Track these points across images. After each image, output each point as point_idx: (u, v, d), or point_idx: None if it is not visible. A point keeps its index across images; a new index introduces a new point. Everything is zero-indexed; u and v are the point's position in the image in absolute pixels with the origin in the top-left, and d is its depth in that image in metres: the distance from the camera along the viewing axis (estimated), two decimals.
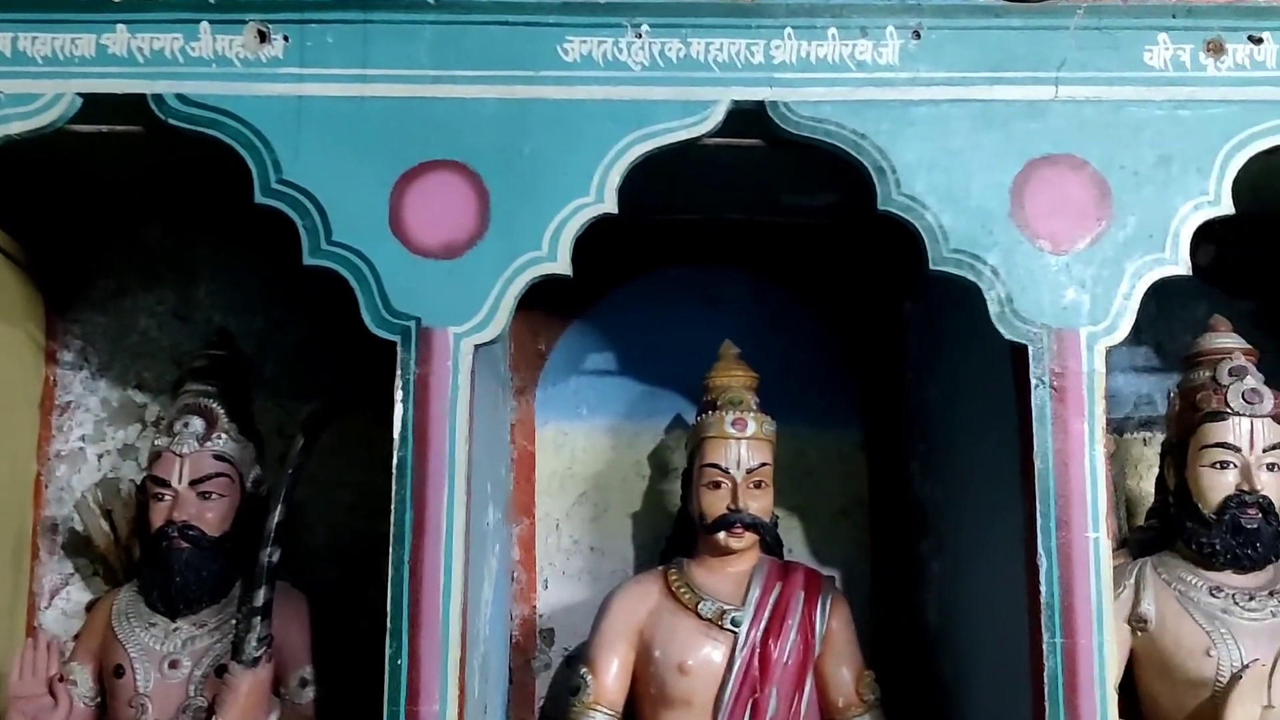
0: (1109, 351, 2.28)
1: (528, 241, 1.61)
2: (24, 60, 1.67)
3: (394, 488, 1.57)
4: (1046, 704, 1.55)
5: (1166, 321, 2.32)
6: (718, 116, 1.64)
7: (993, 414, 1.74)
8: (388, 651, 1.54)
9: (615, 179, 1.62)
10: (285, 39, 1.66)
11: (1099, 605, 1.56)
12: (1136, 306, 1.62)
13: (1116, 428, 2.33)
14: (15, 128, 1.66)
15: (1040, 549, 1.57)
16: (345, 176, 1.62)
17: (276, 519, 1.84)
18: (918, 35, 1.66)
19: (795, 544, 2.31)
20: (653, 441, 2.33)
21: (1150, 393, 2.31)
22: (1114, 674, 1.57)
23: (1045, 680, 1.55)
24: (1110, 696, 1.55)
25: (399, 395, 1.58)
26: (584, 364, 2.35)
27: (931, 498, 2.15)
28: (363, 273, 1.60)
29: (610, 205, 1.62)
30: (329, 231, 1.61)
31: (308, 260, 1.61)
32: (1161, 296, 2.28)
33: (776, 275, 2.37)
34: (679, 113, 1.64)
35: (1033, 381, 1.60)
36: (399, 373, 1.59)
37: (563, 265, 1.61)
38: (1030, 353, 1.60)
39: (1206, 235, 2.25)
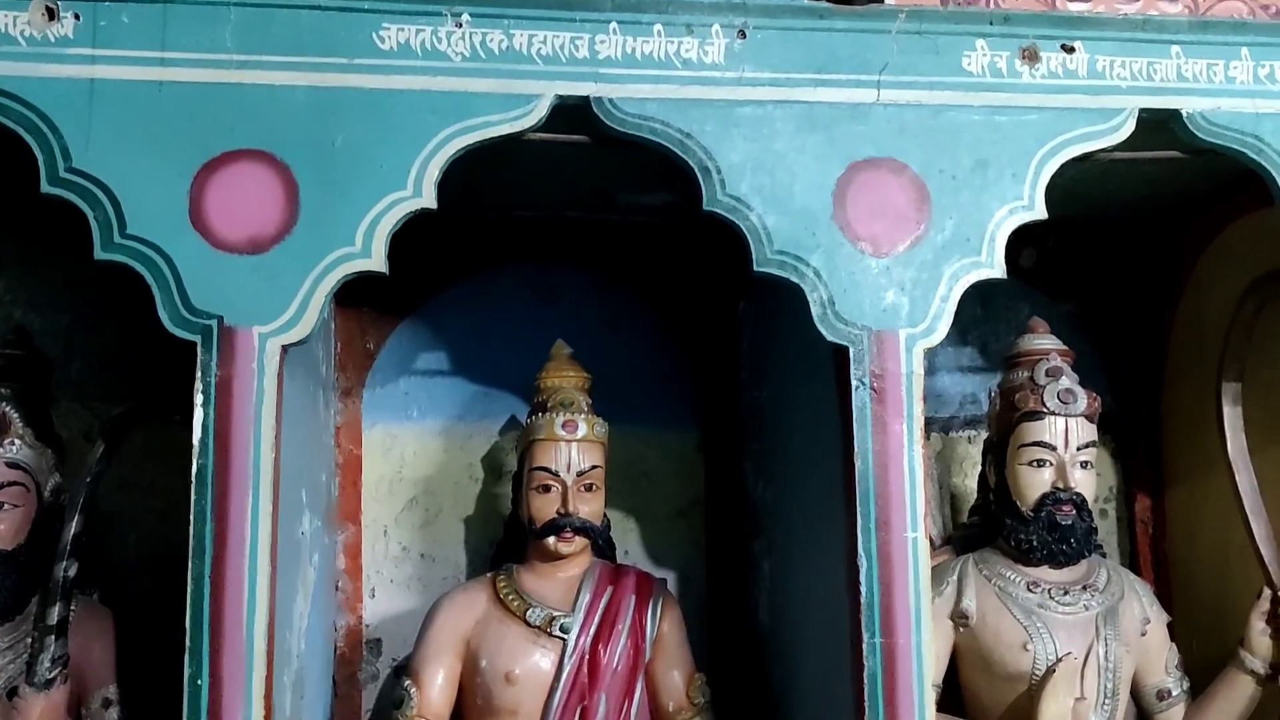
0: (934, 352, 2.35)
1: (339, 237, 1.53)
2: None
3: (193, 497, 1.47)
4: (866, 703, 1.55)
5: (991, 323, 2.39)
6: (541, 111, 1.60)
7: (818, 415, 1.75)
8: (187, 671, 1.45)
9: (434, 173, 1.56)
10: (76, 17, 1.54)
11: (917, 605, 1.57)
12: (954, 309, 1.64)
13: (943, 427, 2.38)
14: None
15: (860, 549, 1.57)
16: (141, 165, 1.51)
17: (74, 530, 1.73)
18: (743, 35, 1.65)
19: (632, 546, 2.29)
20: (487, 444, 2.28)
21: (975, 392, 2.37)
22: (932, 672, 1.58)
23: (865, 680, 1.56)
24: (928, 695, 1.56)
25: (199, 399, 1.49)
26: (415, 364, 2.28)
27: (763, 498, 2.15)
28: (160, 268, 1.50)
29: (429, 200, 1.56)
30: (123, 224, 1.50)
31: (100, 255, 1.50)
32: (986, 299, 2.37)
33: (616, 274, 2.35)
34: (501, 106, 1.59)
35: (853, 383, 1.60)
36: (199, 375, 1.49)
37: (377, 262, 1.54)
38: (851, 354, 1.61)
39: (1030, 239, 2.35)
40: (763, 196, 1.62)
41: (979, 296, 2.34)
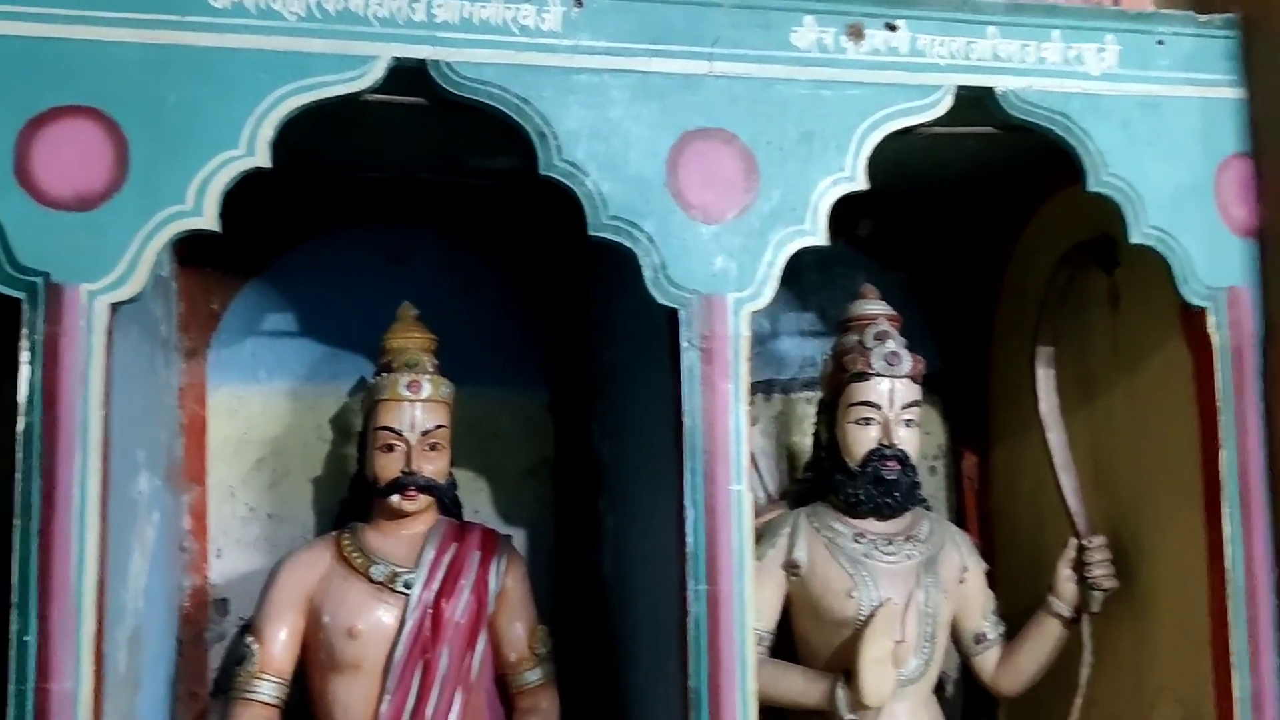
0: (776, 317, 2.47)
1: (170, 195, 1.53)
2: None
3: (20, 456, 1.46)
4: (690, 647, 1.63)
5: (829, 290, 2.48)
6: (378, 73, 1.61)
7: (654, 375, 1.81)
8: (14, 627, 1.44)
9: (268, 132, 1.56)
10: None
11: (741, 554, 1.65)
12: (780, 274, 1.71)
13: (783, 388, 2.48)
14: None
15: (688, 502, 1.65)
16: None
17: None
18: (580, 4, 1.69)
19: (482, 505, 2.33)
20: (335, 404, 2.29)
21: (814, 355, 2.46)
22: (753, 618, 1.67)
23: (691, 625, 1.63)
24: (749, 639, 1.65)
25: (25, 357, 1.47)
26: (262, 325, 2.27)
27: (608, 457, 2.22)
28: None
29: (263, 160, 1.56)
30: None
31: None
32: (825, 267, 2.46)
33: (465, 237, 2.37)
34: (336, 66, 1.59)
35: (683, 344, 1.67)
36: (25, 332, 1.48)
37: (209, 220, 1.54)
38: (681, 317, 1.67)
39: (867, 209, 2.45)
40: (598, 163, 1.67)
41: (818, 264, 2.45)
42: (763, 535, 2.07)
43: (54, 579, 1.46)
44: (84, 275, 1.50)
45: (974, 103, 1.83)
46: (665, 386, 1.73)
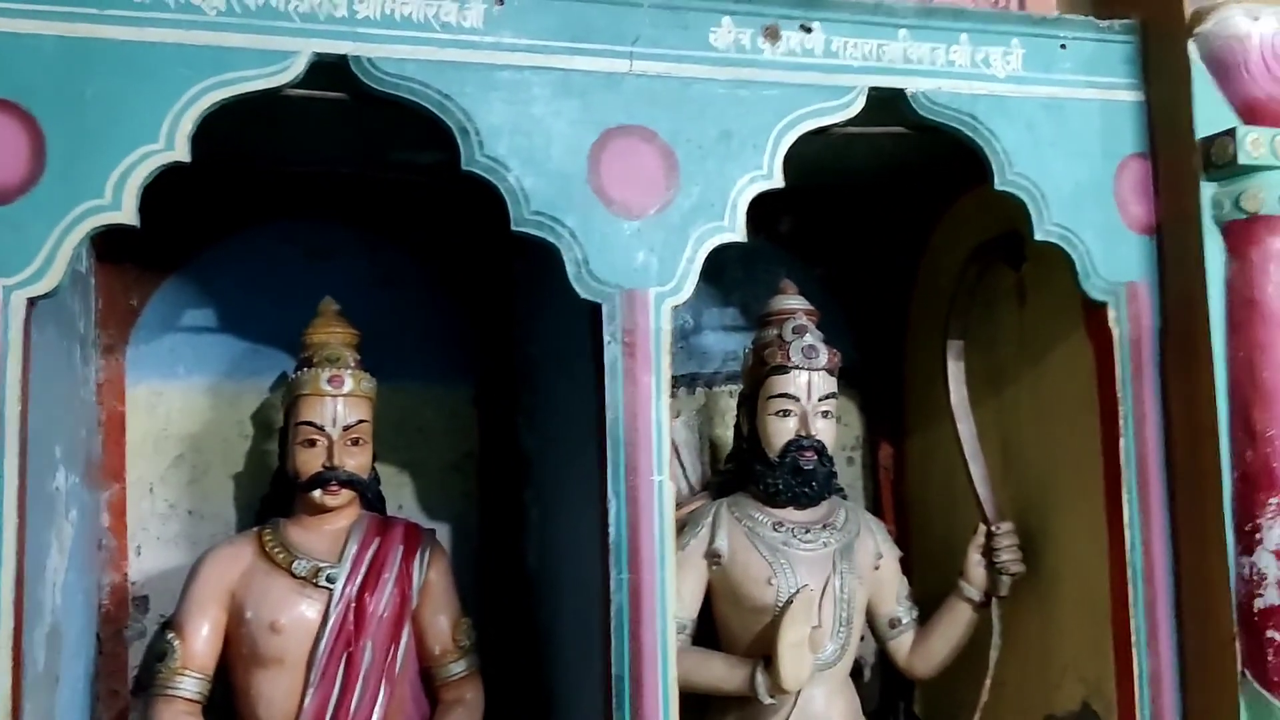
0: (699, 312, 2.51)
1: (88, 189, 1.52)
2: None
3: None
4: (613, 635, 1.66)
5: (752, 285, 2.53)
6: (298, 68, 1.61)
7: (578, 368, 1.84)
8: None
9: (187, 126, 1.56)
10: None
11: (662, 543, 1.69)
12: (699, 269, 1.75)
13: (706, 382, 2.52)
14: None
15: (610, 492, 1.68)
16: None
17: None
18: (501, 1, 1.71)
19: (407, 499, 2.34)
20: (256, 400, 2.28)
21: (736, 350, 2.51)
22: (676, 606, 1.71)
23: (613, 614, 1.67)
24: (670, 626, 1.68)
25: None
26: (181, 320, 2.25)
27: (533, 449, 2.24)
28: None
29: (182, 154, 1.56)
30: None
31: None
32: (748, 262, 2.51)
33: (389, 232, 2.37)
34: (257, 61, 1.59)
35: (606, 338, 1.70)
36: None
37: (128, 215, 1.53)
38: (604, 311, 1.70)
39: (787, 207, 2.50)
40: (520, 158, 1.69)
41: (741, 260, 2.50)
42: (685, 525, 2.11)
43: None
44: (0, 270, 1.48)
45: (886, 103, 1.88)
46: (588, 380, 1.76)
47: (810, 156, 1.86)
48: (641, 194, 1.74)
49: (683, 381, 2.47)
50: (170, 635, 1.90)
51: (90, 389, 2.11)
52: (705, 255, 1.76)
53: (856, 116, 1.86)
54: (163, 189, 1.58)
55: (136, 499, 2.20)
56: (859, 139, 2.01)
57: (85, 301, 2.05)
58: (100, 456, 2.14)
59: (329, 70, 1.65)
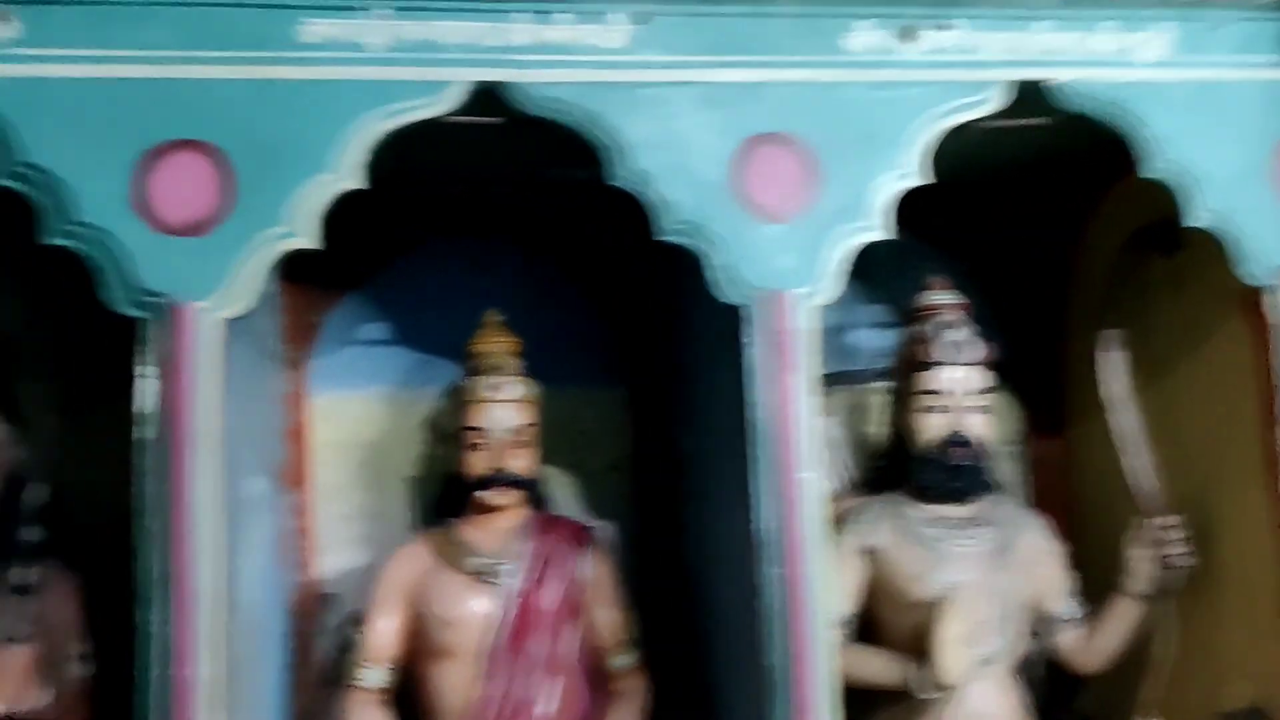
0: (848, 310, 2.52)
1: (273, 218, 1.66)
2: None
3: (140, 462, 1.61)
4: (766, 628, 1.72)
5: (902, 281, 2.52)
6: (456, 97, 1.73)
7: (724, 370, 1.90)
8: (139, 620, 1.59)
9: (358, 156, 1.69)
10: (22, 20, 1.66)
11: (813, 537, 1.73)
12: (843, 269, 1.79)
13: (857, 380, 2.54)
14: None
15: (760, 490, 1.73)
16: (87, 157, 1.64)
17: (37, 497, 1.86)
18: (645, 21, 1.78)
19: (566, 500, 2.43)
20: (428, 408, 2.41)
21: (887, 347, 2.51)
22: (828, 599, 1.74)
23: (766, 608, 1.72)
24: (825, 619, 1.73)
25: (146, 371, 1.62)
26: (359, 335, 2.41)
27: (686, 450, 2.30)
28: (107, 252, 1.63)
29: (355, 181, 1.69)
30: (71, 211, 1.63)
31: (48, 239, 1.62)
32: (899, 259, 2.50)
33: (545, 244, 2.48)
34: (419, 92, 1.72)
35: (750, 340, 1.75)
36: (148, 348, 1.63)
37: (309, 239, 1.68)
38: (748, 314, 1.76)
39: (937, 202, 2.50)
40: (664, 170, 1.77)
41: (891, 257, 2.48)
42: (840, 523, 2.14)
43: (180, 574, 1.60)
44: (198, 294, 1.64)
45: (1029, 96, 1.88)
46: (735, 381, 1.82)
47: (957, 151, 1.87)
48: (783, 198, 1.79)
49: (833, 380, 2.49)
50: (357, 630, 2.04)
51: (277, 401, 2.28)
52: (849, 255, 1.79)
53: (1001, 110, 1.86)
54: (339, 213, 1.71)
55: (322, 503, 2.36)
56: (1007, 132, 2.01)
57: (272, 320, 2.22)
58: (288, 463, 2.31)
59: (484, 96, 1.76)
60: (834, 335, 2.53)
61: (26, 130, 1.64)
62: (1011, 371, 2.49)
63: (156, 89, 1.67)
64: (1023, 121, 1.98)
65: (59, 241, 1.62)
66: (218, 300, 1.65)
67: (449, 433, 2.25)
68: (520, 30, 1.76)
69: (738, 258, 1.76)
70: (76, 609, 2.02)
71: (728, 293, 1.76)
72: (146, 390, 1.61)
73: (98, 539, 2.25)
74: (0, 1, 1.65)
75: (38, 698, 1.88)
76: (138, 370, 1.61)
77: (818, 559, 1.73)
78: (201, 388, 1.63)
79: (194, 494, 1.61)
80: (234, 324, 1.69)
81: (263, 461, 2.02)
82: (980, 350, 2.11)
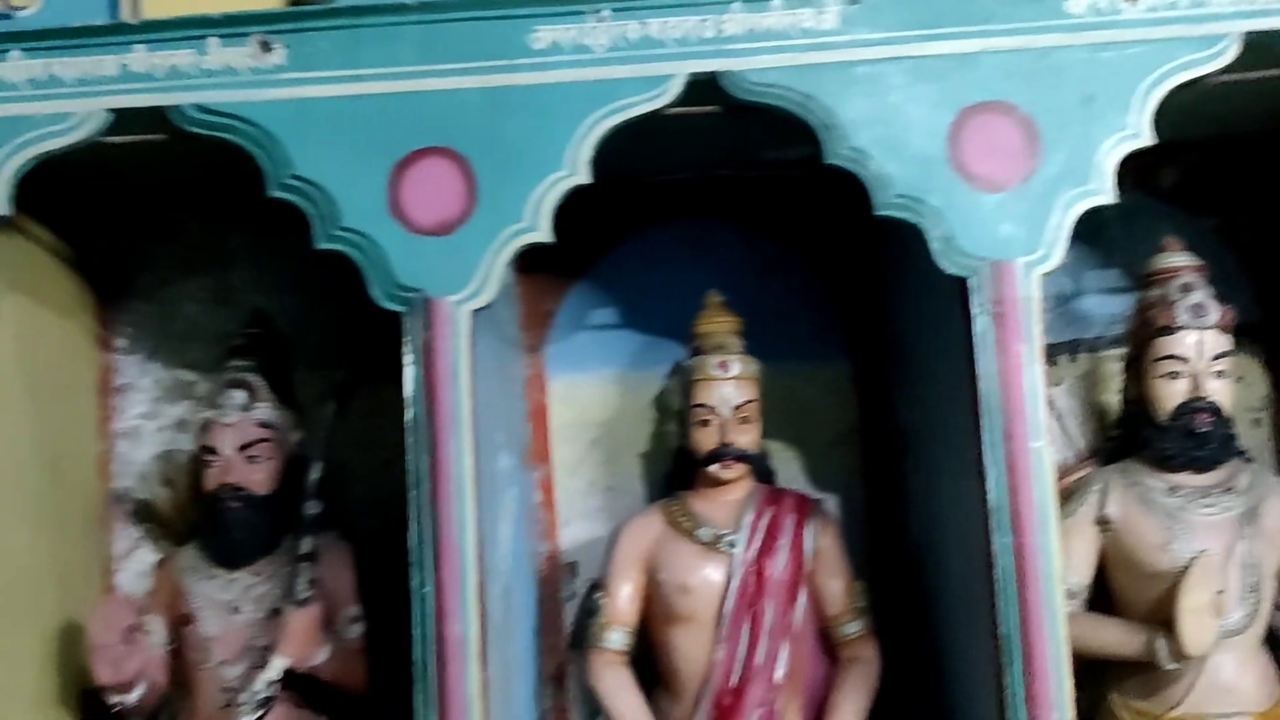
0: (1080, 276, 2.48)
1: (512, 215, 1.79)
2: (57, 83, 1.87)
3: (410, 440, 1.77)
4: (999, 598, 1.73)
5: (1134, 244, 2.45)
6: (675, 89, 1.81)
7: (948, 341, 1.91)
8: (413, 583, 1.75)
9: (587, 152, 1.80)
10: (285, 47, 1.85)
11: (1044, 506, 1.73)
12: (1068, 236, 1.77)
13: (1090, 347, 2.48)
14: (53, 144, 1.86)
15: (988, 460, 1.74)
16: (347, 168, 1.81)
17: (315, 475, 2.07)
18: (855, 1, 1.81)
19: (794, 473, 2.49)
20: (657, 387, 2.52)
21: (1120, 312, 2.44)
22: (1067, 572, 1.74)
23: (997, 577, 1.73)
24: (1058, 589, 1.72)
25: (408, 359, 1.78)
26: (589, 320, 2.54)
27: (909, 421, 2.32)
28: (369, 254, 1.80)
29: (584, 176, 1.80)
30: (336, 218, 1.81)
31: (319, 245, 1.81)
32: (1129, 221, 2.44)
33: (763, 225, 2.54)
34: (640, 88, 1.81)
35: (975, 310, 1.76)
36: (408, 339, 1.79)
37: (545, 233, 1.80)
38: (972, 284, 1.77)
39: (1170, 159, 2.41)
40: (880, 146, 1.79)
41: (1121, 219, 2.42)
42: (1073, 493, 2.11)
43: (443, 540, 1.76)
44: (449, 289, 1.80)
45: (1264, 47, 1.80)
46: (960, 352, 1.83)
47: (1187, 108, 1.82)
48: (1003, 167, 1.78)
49: (1064, 348, 2.45)
50: (599, 595, 2.17)
51: (519, 384, 2.44)
52: (1073, 221, 1.77)
53: (1232, 63, 1.79)
54: (566, 205, 1.82)
55: (562, 478, 2.51)
56: (1241, 85, 1.92)
57: (511, 309, 2.38)
58: (530, 442, 2.47)
59: (700, 87, 1.83)
60: (1064, 303, 2.49)
61: (294, 147, 1.83)
62: (1256, 333, 2.38)
63: (404, 102, 1.83)
64: (1261, 73, 1.90)
65: (328, 246, 1.80)
66: (466, 294, 1.79)
67: (677, 410, 2.35)
68: (734, 20, 1.82)
69: (958, 229, 1.77)
70: (350, 575, 2.23)
71: (949, 264, 1.77)
72: (409, 377, 1.77)
73: (365, 512, 2.49)
74: (267, 33, 1.85)
75: (319, 655, 2.09)
76: (405, 359, 1.77)
77: (1048, 528, 1.73)
78: (455, 374, 1.78)
79: (453, 469, 1.76)
80: (480, 314, 1.83)
81: (509, 440, 2.17)
82: (1221, 313, 2.04)
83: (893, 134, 1.79)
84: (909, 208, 1.78)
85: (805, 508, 2.18)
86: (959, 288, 1.80)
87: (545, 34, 1.82)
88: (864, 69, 1.80)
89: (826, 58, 1.81)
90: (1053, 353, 2.37)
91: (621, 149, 1.86)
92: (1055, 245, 1.77)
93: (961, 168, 1.79)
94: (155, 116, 1.86)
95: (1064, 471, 2.21)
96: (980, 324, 1.76)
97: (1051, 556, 1.73)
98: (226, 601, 2.18)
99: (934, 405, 2.12)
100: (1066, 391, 2.35)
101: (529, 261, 2.38)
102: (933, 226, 1.78)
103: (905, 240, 1.93)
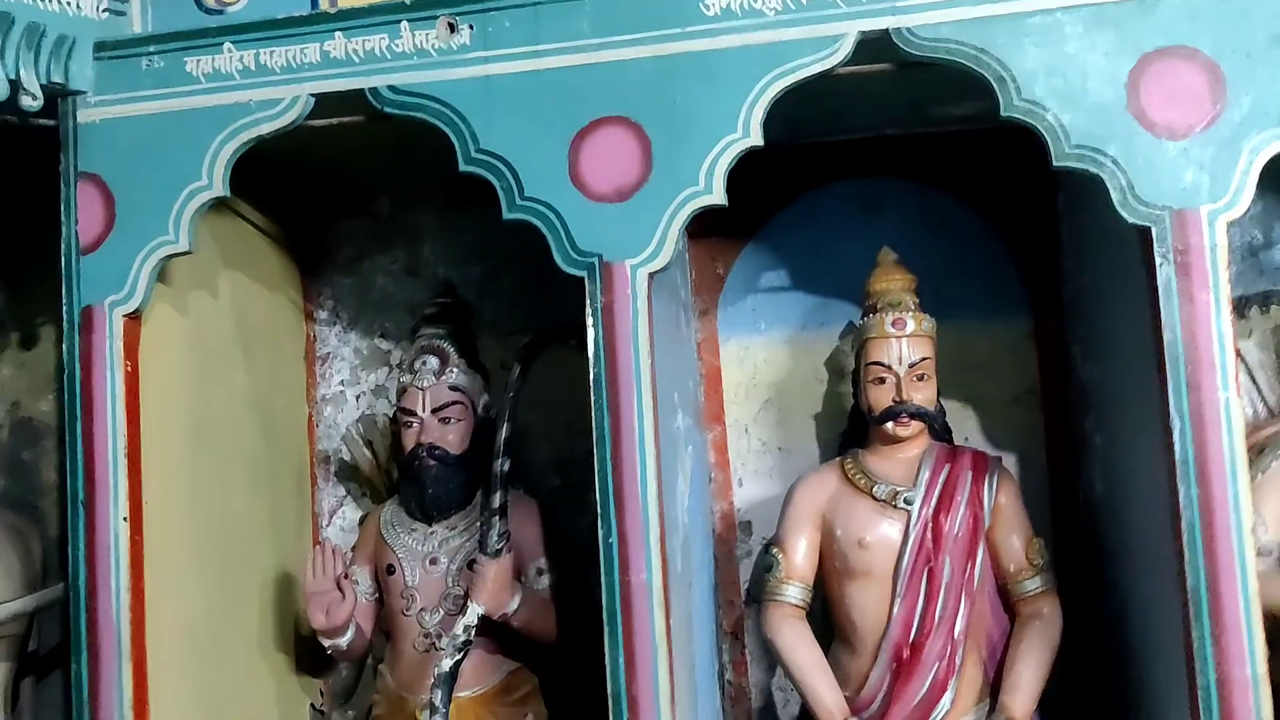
0: (1271, 225, 2.38)
1: (686, 179, 1.85)
2: (266, 71, 2.02)
3: (592, 399, 1.86)
4: (1186, 551, 1.70)
5: None
6: (846, 49, 1.83)
7: (1130, 293, 1.88)
8: (600, 533, 1.84)
9: (759, 115, 1.84)
10: (470, 28, 1.95)
11: (1231, 457, 1.69)
12: (1255, 182, 1.72)
13: None
14: (264, 128, 2.02)
15: (1174, 412, 1.71)
16: (531, 141, 1.90)
17: (504, 435, 2.18)
18: None
19: (971, 432, 2.49)
20: (828, 348, 2.55)
21: None
22: (1249, 519, 1.70)
23: (1184, 530, 1.71)
24: (1247, 539, 1.69)
25: (590, 321, 1.87)
26: (760, 282, 2.59)
27: (1090, 377, 2.28)
28: (552, 221, 1.89)
29: (756, 139, 1.84)
30: (521, 189, 1.90)
31: (507, 215, 1.91)
32: None
33: (935, 181, 2.53)
34: (811, 49, 1.84)
35: (1157, 260, 1.73)
36: (588, 303, 1.87)
37: (718, 196, 1.85)
38: (1154, 234, 1.73)
39: None
40: (1057, 97, 1.77)
41: None
42: (1266, 448, 2.05)
43: (625, 493, 1.84)
44: (626, 253, 1.87)
45: None
46: (1143, 304, 1.80)
47: None
48: (1185, 113, 1.74)
49: (1254, 300, 2.36)
50: (774, 551, 2.22)
51: (691, 346, 2.50)
52: (1260, 167, 1.72)
53: None
54: (734, 168, 1.87)
55: (735, 438, 2.57)
56: None
57: (683, 273, 2.44)
58: (703, 403, 2.54)
59: (871, 45, 1.85)
60: (1254, 253, 2.40)
61: (481, 123, 1.93)
62: None
63: (582, 74, 1.90)
64: None
65: (514, 216, 1.90)
66: (643, 257, 1.86)
67: (850, 370, 2.37)
68: None
69: (1139, 178, 1.74)
70: (537, 529, 2.35)
71: (1131, 214, 1.74)
72: (591, 338, 1.86)
73: (547, 471, 2.62)
74: (454, 14, 1.95)
75: (511, 604, 2.21)
76: (587, 321, 1.86)
77: (1236, 480, 1.69)
78: (634, 334, 1.85)
79: (634, 426, 1.84)
80: (656, 277, 1.90)
81: (684, 401, 2.23)
82: None
83: (1070, 84, 1.77)
84: (1088, 158, 1.76)
85: (983, 465, 2.18)
86: (1141, 238, 1.77)
87: (717, 0, 1.86)
88: (1038, 19, 1.79)
89: (999, 9, 1.80)
90: (1243, 305, 2.29)
91: (790, 110, 1.89)
92: (1242, 192, 1.72)
93: (1142, 115, 1.75)
94: (353, 99, 1.99)
95: (1255, 426, 2.14)
96: (1163, 274, 1.73)
97: (1240, 509, 1.69)
98: (425, 553, 2.33)
99: (1116, 359, 2.09)
100: (1257, 344, 2.27)
101: (699, 225, 2.45)
102: (1112, 176, 1.75)
103: (1084, 191, 1.91)
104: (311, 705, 2.60)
